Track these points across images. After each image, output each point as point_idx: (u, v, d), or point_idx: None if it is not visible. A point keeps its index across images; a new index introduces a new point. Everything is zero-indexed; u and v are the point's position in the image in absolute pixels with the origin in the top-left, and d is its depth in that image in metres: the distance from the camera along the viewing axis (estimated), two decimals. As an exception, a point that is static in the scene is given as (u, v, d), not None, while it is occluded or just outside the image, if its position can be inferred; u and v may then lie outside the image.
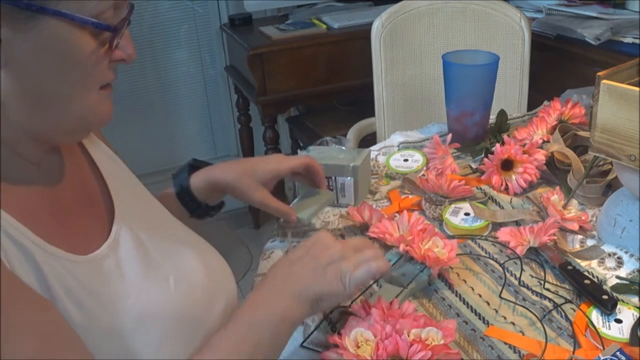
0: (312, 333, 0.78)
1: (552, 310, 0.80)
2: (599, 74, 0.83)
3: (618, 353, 0.69)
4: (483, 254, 0.93)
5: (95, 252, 0.66)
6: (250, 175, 0.92)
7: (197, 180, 0.93)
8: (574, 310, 0.79)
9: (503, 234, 0.93)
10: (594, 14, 1.88)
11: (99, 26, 0.59)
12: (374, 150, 1.28)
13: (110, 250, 0.68)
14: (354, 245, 0.74)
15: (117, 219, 0.71)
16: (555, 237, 0.91)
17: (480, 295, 0.84)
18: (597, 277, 0.85)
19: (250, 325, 0.66)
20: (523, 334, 0.76)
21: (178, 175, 0.95)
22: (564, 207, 0.99)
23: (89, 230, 0.69)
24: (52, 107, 0.61)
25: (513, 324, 0.78)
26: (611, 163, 0.98)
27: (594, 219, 0.99)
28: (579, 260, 0.89)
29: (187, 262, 0.75)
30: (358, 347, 0.69)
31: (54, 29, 0.57)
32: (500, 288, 0.84)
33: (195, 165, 0.96)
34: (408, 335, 0.69)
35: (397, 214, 1.02)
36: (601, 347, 0.72)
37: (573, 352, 0.73)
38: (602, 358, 0.69)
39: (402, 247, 0.87)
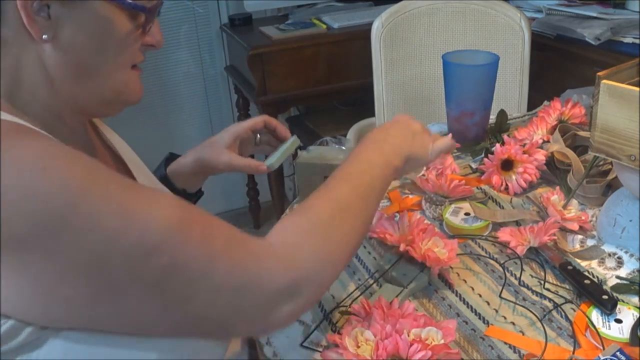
0: (312, 333, 0.78)
1: (552, 310, 0.80)
2: (599, 74, 0.83)
3: (618, 353, 0.69)
4: (483, 254, 0.93)
5: None
6: (213, 144, 0.97)
7: (173, 168, 0.98)
8: (574, 310, 0.79)
9: (503, 234, 0.93)
10: (594, 14, 1.88)
11: (135, 7, 0.66)
12: (374, 150, 1.28)
13: None
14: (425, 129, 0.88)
15: None
16: (556, 237, 0.91)
17: (480, 295, 0.84)
18: (597, 277, 0.85)
19: (367, 163, 0.76)
20: (523, 334, 0.76)
21: (157, 169, 1.00)
22: (564, 207, 0.99)
23: None
24: (92, 79, 0.67)
25: (513, 324, 0.78)
26: (611, 163, 0.98)
27: (594, 219, 0.99)
28: (579, 260, 0.89)
29: None
30: (358, 347, 0.69)
31: (97, 8, 0.64)
32: (500, 288, 0.84)
33: (173, 158, 1.01)
34: (408, 335, 0.69)
35: (397, 214, 1.02)
36: (601, 347, 0.72)
37: (573, 352, 0.73)
38: (602, 358, 0.69)
39: (402, 247, 0.87)
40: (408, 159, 0.81)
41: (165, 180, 0.97)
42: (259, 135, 1.02)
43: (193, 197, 1.01)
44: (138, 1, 0.66)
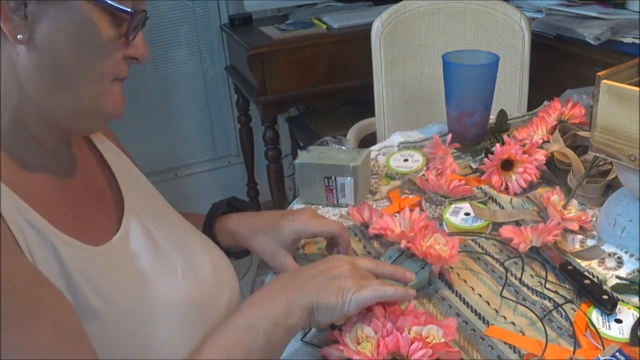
0: (311, 328, 0.78)
1: (552, 310, 0.80)
2: (599, 74, 0.83)
3: (617, 353, 0.69)
4: (483, 254, 0.93)
5: (107, 243, 0.69)
6: (270, 235, 0.86)
7: (221, 226, 0.91)
8: (574, 310, 0.79)
9: (505, 231, 0.92)
10: (594, 14, 1.88)
11: (118, 9, 0.62)
12: (374, 150, 1.28)
13: (122, 241, 0.70)
14: (362, 273, 0.74)
15: (127, 211, 0.73)
16: (558, 238, 0.91)
17: (480, 295, 0.84)
18: (597, 277, 0.85)
19: (243, 328, 0.66)
20: (523, 334, 0.76)
21: (211, 212, 0.92)
22: (564, 207, 0.99)
23: (99, 223, 0.71)
24: (68, 87, 0.63)
25: (513, 323, 0.78)
26: (611, 163, 0.98)
27: (594, 219, 0.99)
28: (579, 260, 0.89)
29: (194, 254, 0.77)
30: (358, 344, 0.69)
31: (77, 9, 0.60)
32: (500, 288, 0.84)
33: (233, 204, 0.94)
34: (409, 333, 0.69)
35: (397, 214, 1.02)
36: (601, 347, 0.72)
37: (573, 352, 0.73)
38: (601, 358, 0.69)
39: (403, 243, 0.87)
40: (315, 309, 0.68)
41: (208, 231, 0.89)
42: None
43: (233, 255, 0.92)
44: (122, 4, 0.62)
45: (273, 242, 0.86)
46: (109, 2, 0.61)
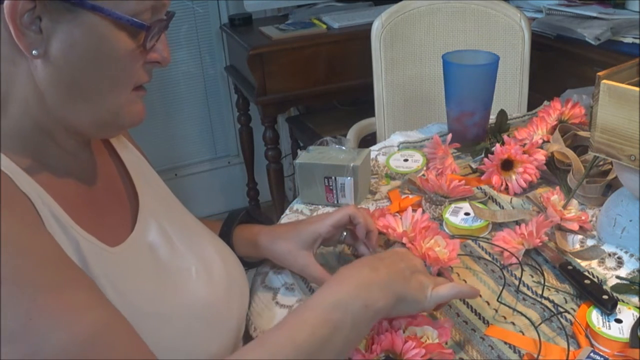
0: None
1: (551, 316, 0.80)
2: (599, 74, 0.83)
3: (592, 354, 0.69)
4: (483, 254, 0.93)
5: (123, 243, 0.69)
6: (291, 239, 0.87)
7: (239, 235, 0.91)
8: (574, 310, 0.79)
9: (499, 239, 0.91)
10: (594, 14, 1.88)
11: (133, 24, 0.61)
12: (374, 150, 1.28)
13: (138, 241, 0.71)
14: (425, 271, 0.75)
15: (142, 213, 0.74)
16: (547, 238, 0.90)
17: (480, 295, 0.84)
18: (597, 277, 0.85)
19: (332, 304, 0.64)
20: (523, 334, 0.76)
21: (229, 220, 0.92)
22: (564, 207, 0.99)
23: (116, 224, 0.72)
24: (85, 100, 0.63)
25: (513, 323, 0.78)
26: (611, 163, 0.98)
27: (594, 219, 0.99)
28: (579, 260, 0.89)
29: (208, 254, 0.77)
30: None
31: (91, 24, 0.59)
32: (500, 288, 0.84)
33: (251, 214, 0.95)
34: (404, 332, 0.69)
35: (397, 214, 1.02)
36: (601, 347, 0.72)
37: (567, 353, 0.72)
38: None
39: (404, 240, 0.87)
40: (400, 299, 0.68)
41: (226, 238, 0.90)
42: (344, 234, 0.91)
43: (247, 265, 0.93)
44: (139, 19, 0.61)
45: (294, 245, 0.87)
46: (124, 16, 0.60)
